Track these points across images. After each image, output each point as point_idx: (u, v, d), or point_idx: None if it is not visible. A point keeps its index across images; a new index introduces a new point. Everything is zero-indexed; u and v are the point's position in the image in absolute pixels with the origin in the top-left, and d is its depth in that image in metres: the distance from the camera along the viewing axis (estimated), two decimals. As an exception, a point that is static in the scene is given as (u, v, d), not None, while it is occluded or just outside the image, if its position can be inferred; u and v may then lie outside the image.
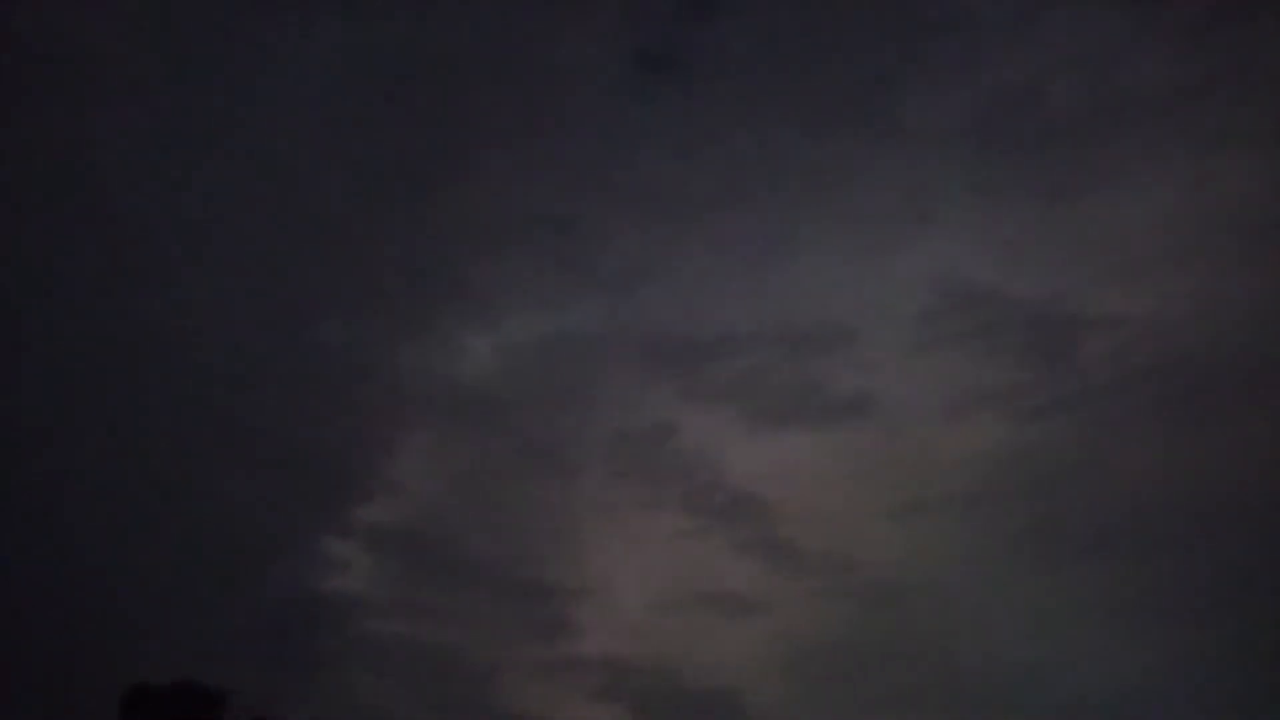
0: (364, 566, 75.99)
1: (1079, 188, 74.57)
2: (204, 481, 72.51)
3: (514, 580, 76.37)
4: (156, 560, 63.21)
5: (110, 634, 56.75)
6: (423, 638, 73.65)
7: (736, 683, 70.87)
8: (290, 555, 75.09)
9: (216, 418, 74.27)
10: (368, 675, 73.35)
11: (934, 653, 66.91)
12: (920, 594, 70.73)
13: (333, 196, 79.55)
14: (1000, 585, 68.52)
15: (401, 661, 73.42)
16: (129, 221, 74.01)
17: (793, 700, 70.82)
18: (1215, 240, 70.52)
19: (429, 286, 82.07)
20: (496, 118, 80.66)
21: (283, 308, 78.81)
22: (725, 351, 78.19)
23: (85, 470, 65.32)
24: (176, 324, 73.07)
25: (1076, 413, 70.95)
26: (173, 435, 71.14)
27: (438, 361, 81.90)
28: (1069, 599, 65.57)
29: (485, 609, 76.03)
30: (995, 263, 75.75)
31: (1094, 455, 69.50)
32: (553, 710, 71.38)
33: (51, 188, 71.20)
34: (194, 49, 77.18)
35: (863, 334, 77.79)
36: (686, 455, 78.19)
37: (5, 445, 60.28)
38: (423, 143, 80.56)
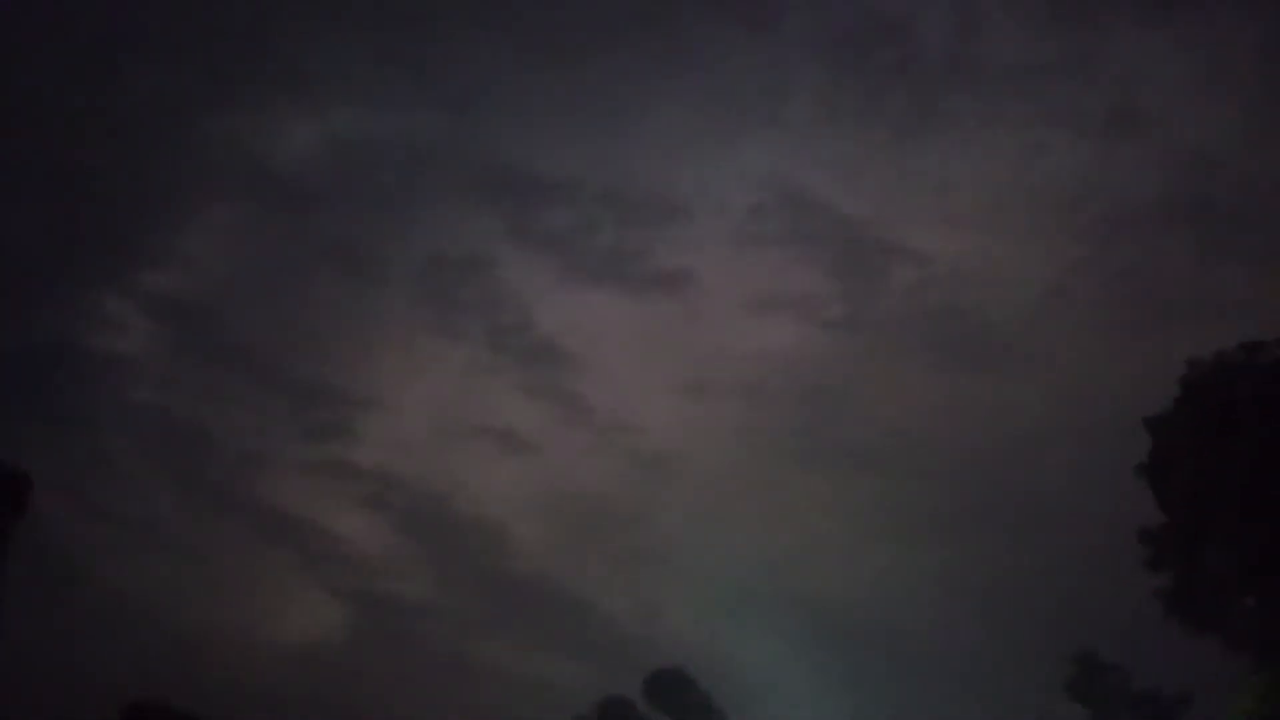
0: (141, 332, 72.81)
1: (922, 129, 77.49)
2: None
3: (296, 377, 75.06)
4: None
5: None
6: (191, 417, 71.92)
7: (501, 516, 73.56)
8: (61, 304, 70.98)
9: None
10: (124, 443, 71.22)
11: (686, 525, 71.23)
12: (686, 469, 74.68)
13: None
14: (759, 476, 73.32)
15: (164, 436, 71.70)
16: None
17: (549, 541, 74.26)
18: (1028, 208, 75.94)
19: (260, 57, 76.53)
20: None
21: (93, 43, 71.83)
22: (559, 198, 77.57)
23: None
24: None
25: (869, 334, 75.57)
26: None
27: (257, 139, 77.17)
28: (820, 500, 71.15)
29: (261, 400, 74.74)
30: (830, 178, 77.81)
31: (874, 376, 74.53)
32: (315, 510, 71.79)
33: None
34: None
35: (693, 214, 78.59)
36: (499, 293, 78.08)
37: None
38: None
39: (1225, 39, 71.30)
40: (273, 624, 68.13)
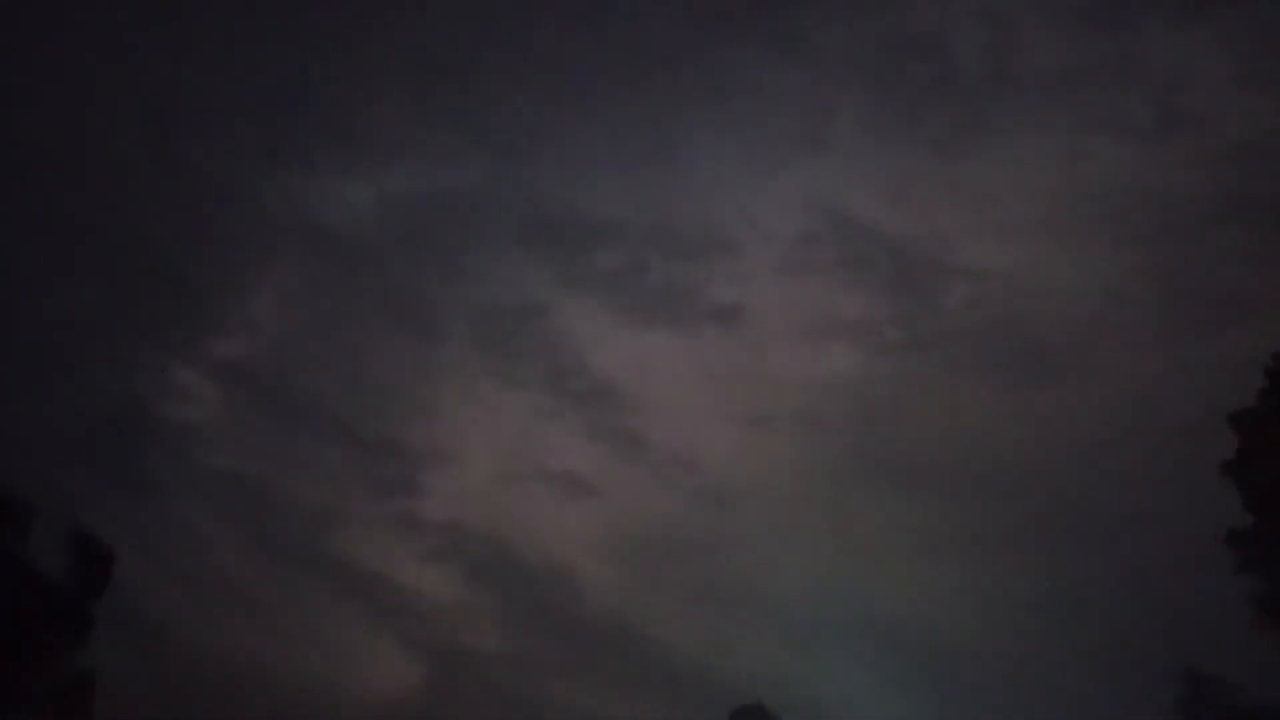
0: (211, 400, 74.19)
1: (964, 143, 76.89)
2: (42, 286, 68.91)
3: (362, 434, 76.04)
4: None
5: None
6: (263, 478, 72.97)
7: (569, 559, 73.79)
8: (132, 376, 72.68)
9: (63, 221, 70.24)
10: (199, 507, 72.43)
11: (753, 557, 71.10)
12: (748, 501, 74.54)
13: (216, 11, 74.76)
14: (822, 504, 72.86)
15: (237, 499, 72.78)
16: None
17: (618, 582, 74.31)
18: (1077, 216, 75.40)
19: (307, 119, 78.43)
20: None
21: (146, 114, 74.14)
22: (608, 241, 78.45)
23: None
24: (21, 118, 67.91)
25: (926, 354, 74.98)
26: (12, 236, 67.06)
27: (311, 200, 78.85)
28: (882, 525, 70.57)
29: (330, 459, 75.66)
30: (875, 199, 78.19)
31: (932, 396, 73.94)
32: (386, 565, 72.48)
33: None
34: None
35: (741, 246, 79.24)
36: (554, 338, 78.88)
37: None
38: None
39: (1266, 33, 70.53)
40: (349, 678, 68.69)
